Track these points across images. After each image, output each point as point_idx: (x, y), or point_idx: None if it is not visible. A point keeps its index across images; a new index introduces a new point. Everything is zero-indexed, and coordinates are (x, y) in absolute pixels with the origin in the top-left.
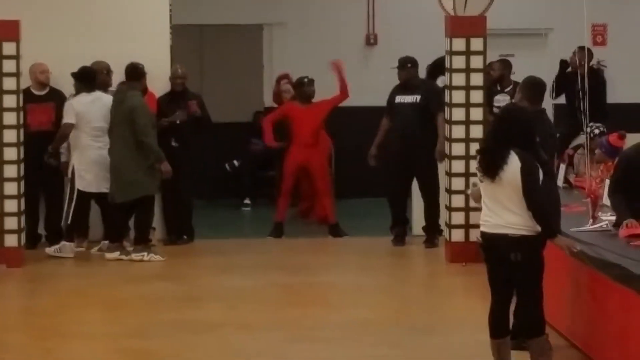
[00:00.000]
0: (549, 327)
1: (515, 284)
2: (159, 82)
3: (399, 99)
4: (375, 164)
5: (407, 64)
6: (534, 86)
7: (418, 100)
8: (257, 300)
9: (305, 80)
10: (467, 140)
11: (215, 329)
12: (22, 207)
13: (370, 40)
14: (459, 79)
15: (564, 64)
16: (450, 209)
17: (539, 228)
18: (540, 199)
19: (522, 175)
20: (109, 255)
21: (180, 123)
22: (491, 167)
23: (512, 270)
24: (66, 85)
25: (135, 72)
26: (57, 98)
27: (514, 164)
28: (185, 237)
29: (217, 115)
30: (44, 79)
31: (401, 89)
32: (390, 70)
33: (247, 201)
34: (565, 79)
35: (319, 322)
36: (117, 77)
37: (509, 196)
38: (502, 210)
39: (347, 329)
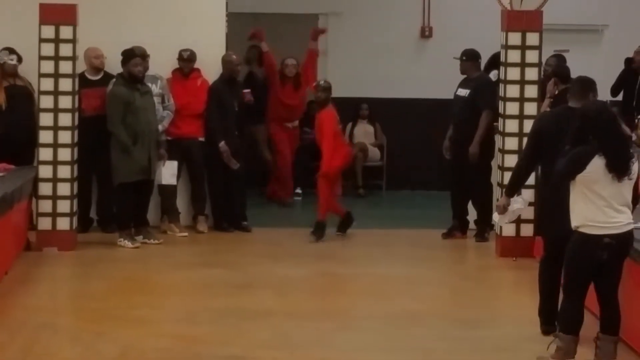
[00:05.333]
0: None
1: (615, 279)
2: (213, 70)
3: (458, 91)
4: (449, 157)
5: (462, 57)
6: (577, 83)
7: (467, 95)
8: (307, 289)
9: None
10: (520, 134)
11: (264, 317)
12: (75, 190)
13: (425, 33)
14: (513, 73)
15: (628, 62)
16: None
17: None
18: None
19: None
20: (120, 243)
21: (236, 111)
22: (627, 165)
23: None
24: (120, 70)
25: (123, 57)
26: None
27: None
28: (244, 223)
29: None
30: (99, 64)
31: (462, 81)
32: (445, 63)
33: (298, 190)
34: (627, 76)
35: (367, 313)
36: (170, 63)
37: (629, 192)
38: (624, 207)
39: (395, 320)
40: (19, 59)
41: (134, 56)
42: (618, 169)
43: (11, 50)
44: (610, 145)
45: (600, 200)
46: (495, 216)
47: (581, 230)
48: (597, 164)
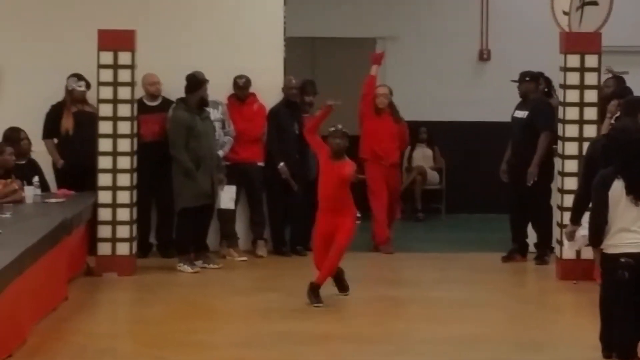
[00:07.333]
0: None
1: None
2: (272, 94)
3: (515, 113)
4: (506, 180)
5: (524, 78)
6: (625, 103)
7: (525, 117)
8: (365, 312)
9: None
10: (579, 157)
11: (322, 341)
12: (134, 215)
13: (484, 56)
14: (573, 96)
15: None
16: (561, 225)
17: None
18: None
19: None
20: (179, 268)
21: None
22: None
23: None
24: (179, 95)
25: (187, 84)
26: (169, 108)
27: None
28: (298, 247)
29: (330, 128)
30: (154, 90)
31: (519, 104)
32: (503, 85)
33: (358, 215)
34: None
35: (426, 336)
36: (227, 88)
37: None
38: None
39: (454, 344)
40: (87, 85)
41: (204, 82)
42: (637, 191)
43: (79, 77)
44: (629, 166)
45: (619, 223)
46: (566, 244)
47: (603, 250)
48: (617, 185)
